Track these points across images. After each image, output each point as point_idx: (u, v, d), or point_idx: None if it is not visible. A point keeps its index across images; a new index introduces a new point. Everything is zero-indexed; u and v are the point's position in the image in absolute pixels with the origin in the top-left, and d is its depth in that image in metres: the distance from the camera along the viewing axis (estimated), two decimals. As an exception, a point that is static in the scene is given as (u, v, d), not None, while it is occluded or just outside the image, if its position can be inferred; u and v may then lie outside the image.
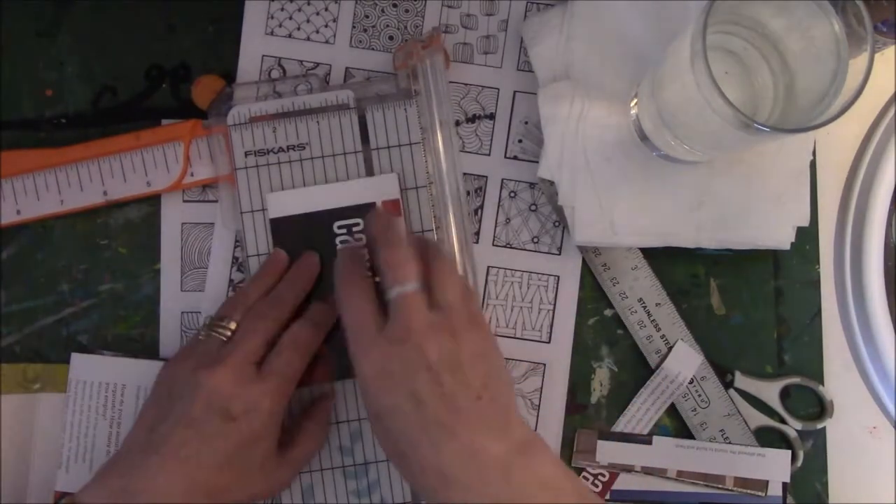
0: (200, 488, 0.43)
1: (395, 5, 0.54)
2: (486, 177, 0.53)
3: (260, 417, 0.44)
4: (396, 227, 0.44)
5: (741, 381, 0.52)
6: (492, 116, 0.53)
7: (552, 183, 0.51)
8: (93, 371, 0.51)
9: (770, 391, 0.52)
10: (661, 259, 0.53)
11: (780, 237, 0.51)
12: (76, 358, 0.51)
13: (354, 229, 0.50)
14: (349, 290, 0.44)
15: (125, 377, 0.51)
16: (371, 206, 0.50)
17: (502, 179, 0.53)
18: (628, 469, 0.51)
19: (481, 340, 0.43)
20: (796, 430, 0.52)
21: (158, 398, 0.46)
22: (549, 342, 0.52)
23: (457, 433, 0.40)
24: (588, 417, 0.52)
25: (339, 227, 0.50)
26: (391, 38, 0.54)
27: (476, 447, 0.39)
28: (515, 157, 0.53)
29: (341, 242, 0.50)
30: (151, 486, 0.42)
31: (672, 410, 0.52)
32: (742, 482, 0.51)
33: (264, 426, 0.44)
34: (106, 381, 0.51)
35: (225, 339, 0.46)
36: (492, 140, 0.53)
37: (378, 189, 0.50)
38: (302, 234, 0.50)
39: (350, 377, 0.50)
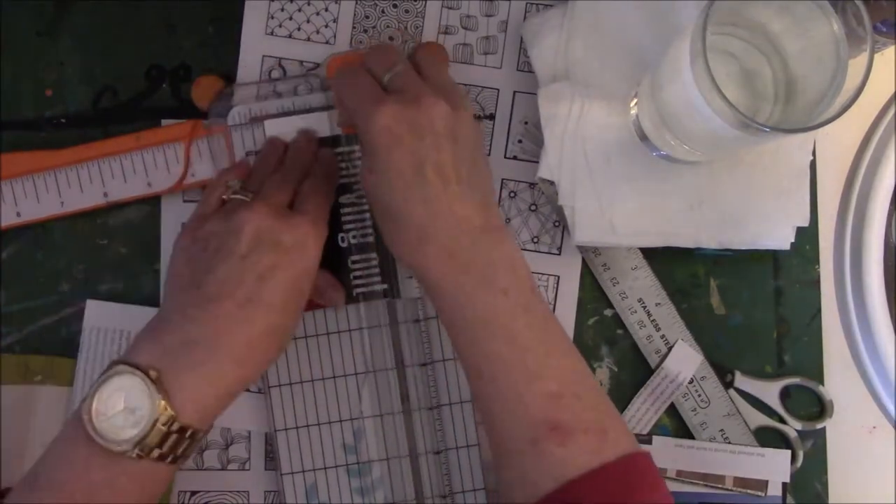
0: (265, 331, 0.42)
1: (395, 6, 0.54)
2: (487, 177, 0.53)
3: (308, 251, 0.44)
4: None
5: (741, 381, 0.52)
6: (492, 117, 0.53)
7: (552, 183, 0.51)
8: (107, 318, 0.51)
9: (770, 391, 0.52)
10: (661, 259, 0.53)
11: (780, 237, 0.51)
12: (91, 304, 0.51)
13: (353, 156, 0.50)
14: (348, 70, 0.45)
15: (139, 325, 0.50)
16: None
17: (502, 179, 0.53)
18: (628, 469, 0.51)
19: (473, 123, 0.44)
20: (796, 430, 0.52)
21: (190, 259, 0.44)
22: (549, 342, 0.52)
23: (444, 199, 0.41)
24: (588, 417, 0.52)
25: (338, 154, 0.50)
26: (391, 38, 0.54)
27: (458, 214, 0.42)
28: (515, 157, 0.53)
29: (340, 169, 0.50)
30: (213, 334, 0.40)
31: (672, 410, 0.52)
32: (742, 482, 0.51)
33: (312, 261, 0.44)
34: (121, 329, 0.51)
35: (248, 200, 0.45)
36: (492, 140, 0.53)
37: None
38: None
39: (360, 301, 0.50)
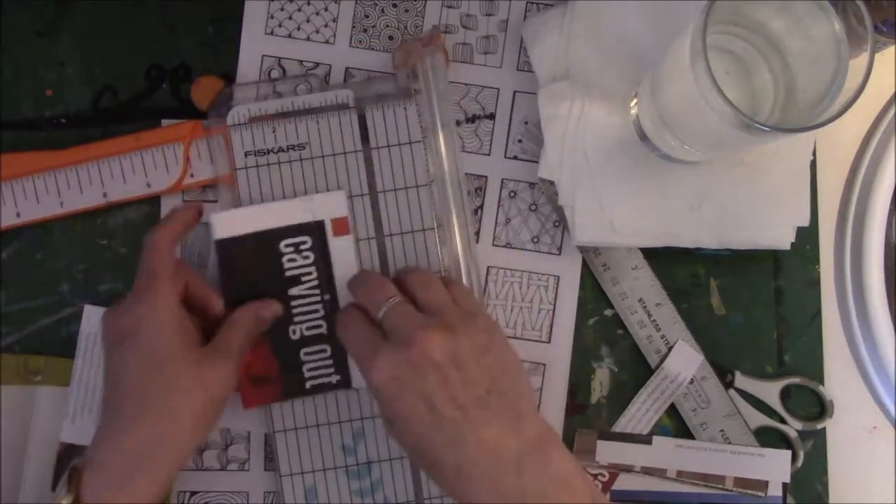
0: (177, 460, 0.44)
1: (395, 5, 0.54)
2: (486, 177, 0.53)
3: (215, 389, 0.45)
4: (364, 272, 0.49)
5: (741, 381, 0.52)
6: (492, 116, 0.53)
7: (552, 183, 0.51)
8: None
9: (770, 391, 0.52)
10: (661, 259, 0.53)
11: (780, 237, 0.51)
12: (89, 310, 0.51)
13: (302, 248, 0.49)
14: (346, 318, 0.46)
15: None
16: (319, 224, 0.49)
17: (502, 179, 0.53)
18: (628, 469, 0.51)
19: (481, 333, 0.43)
20: (796, 430, 0.52)
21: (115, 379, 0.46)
22: (549, 342, 0.52)
23: (469, 430, 0.40)
24: (588, 417, 0.52)
25: (286, 246, 0.49)
26: (391, 38, 0.54)
27: (490, 443, 0.40)
28: (515, 157, 0.53)
29: (289, 261, 0.49)
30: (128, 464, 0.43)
31: (672, 410, 0.52)
32: (742, 482, 0.51)
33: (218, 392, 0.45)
34: None
35: None
36: (492, 140, 0.53)
37: (326, 207, 0.49)
38: (248, 255, 0.49)
39: (297, 396, 0.50)
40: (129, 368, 0.44)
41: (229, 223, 0.49)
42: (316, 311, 0.49)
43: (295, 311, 0.49)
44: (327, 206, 0.49)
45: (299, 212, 0.49)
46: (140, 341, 0.44)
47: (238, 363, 0.47)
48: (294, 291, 0.49)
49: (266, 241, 0.49)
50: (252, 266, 0.49)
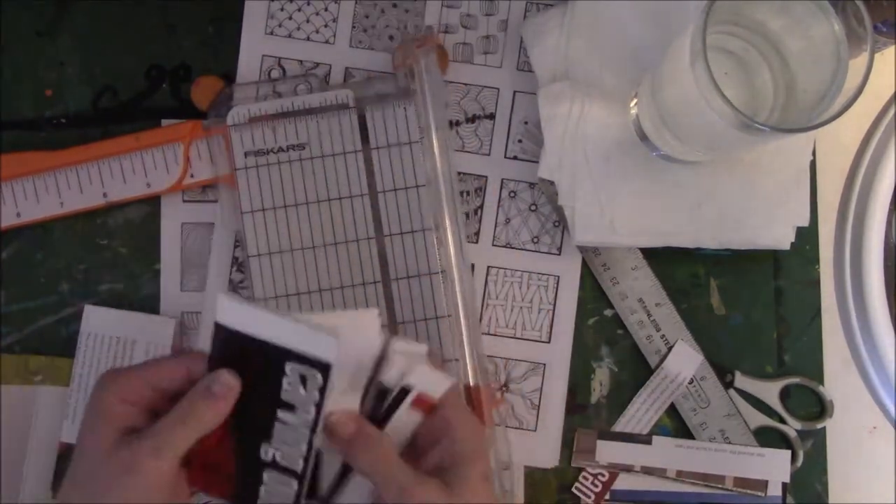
0: None
1: (395, 5, 0.54)
2: (486, 177, 0.53)
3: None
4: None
5: (741, 381, 0.52)
6: (492, 116, 0.53)
7: (552, 183, 0.51)
8: (104, 325, 0.51)
9: (770, 391, 0.52)
10: (661, 259, 0.53)
11: (780, 237, 0.51)
12: (89, 310, 0.51)
13: (308, 382, 0.38)
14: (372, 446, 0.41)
15: (136, 332, 0.51)
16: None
17: (502, 179, 0.53)
18: (628, 469, 0.51)
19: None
20: (796, 430, 0.52)
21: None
22: (549, 342, 0.52)
23: None
24: (588, 417, 0.52)
25: (291, 371, 0.38)
26: (391, 38, 0.54)
27: None
28: (515, 157, 0.53)
29: (288, 386, 0.38)
30: None
31: (672, 410, 0.52)
32: (742, 482, 0.51)
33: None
34: (117, 336, 0.51)
35: None
36: (492, 140, 0.53)
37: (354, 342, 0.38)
38: (245, 355, 0.39)
39: None
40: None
41: (235, 315, 0.38)
42: (298, 447, 0.40)
43: (276, 433, 0.39)
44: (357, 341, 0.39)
45: (328, 347, 0.37)
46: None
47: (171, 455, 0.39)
48: (283, 416, 0.39)
49: (269, 355, 0.38)
50: (245, 368, 0.39)
